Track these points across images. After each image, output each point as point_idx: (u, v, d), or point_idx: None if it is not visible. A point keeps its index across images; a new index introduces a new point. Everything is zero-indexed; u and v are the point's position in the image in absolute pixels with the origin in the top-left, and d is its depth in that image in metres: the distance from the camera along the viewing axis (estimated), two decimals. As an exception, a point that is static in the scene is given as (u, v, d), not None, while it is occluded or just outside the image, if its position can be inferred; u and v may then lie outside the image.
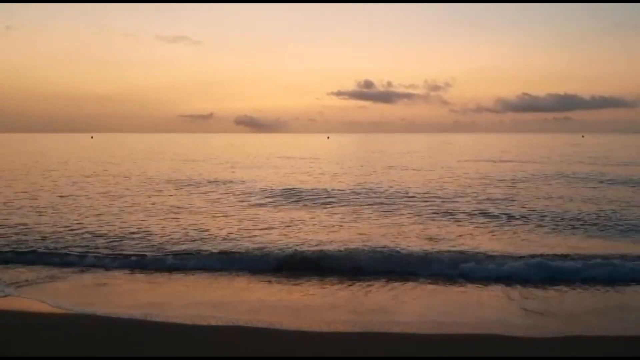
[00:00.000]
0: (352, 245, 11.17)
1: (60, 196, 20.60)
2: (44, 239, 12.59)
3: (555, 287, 8.78)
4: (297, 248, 11.11)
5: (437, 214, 15.66)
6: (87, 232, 13.44)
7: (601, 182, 24.67)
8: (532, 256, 10.11)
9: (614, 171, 30.53)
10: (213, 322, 7.20)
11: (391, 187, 22.51)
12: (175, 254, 10.89)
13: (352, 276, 9.44)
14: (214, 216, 15.79)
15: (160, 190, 22.54)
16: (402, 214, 15.73)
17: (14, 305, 8.05)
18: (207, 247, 11.56)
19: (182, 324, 7.12)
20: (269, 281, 9.40)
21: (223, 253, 10.90)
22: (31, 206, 17.66)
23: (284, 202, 18.72)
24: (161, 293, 8.80)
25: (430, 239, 12.19)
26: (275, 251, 10.84)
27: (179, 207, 17.55)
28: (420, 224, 14.17)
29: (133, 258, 10.76)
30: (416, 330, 6.90)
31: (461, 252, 10.58)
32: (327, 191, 21.25)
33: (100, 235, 12.96)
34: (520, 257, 10.06)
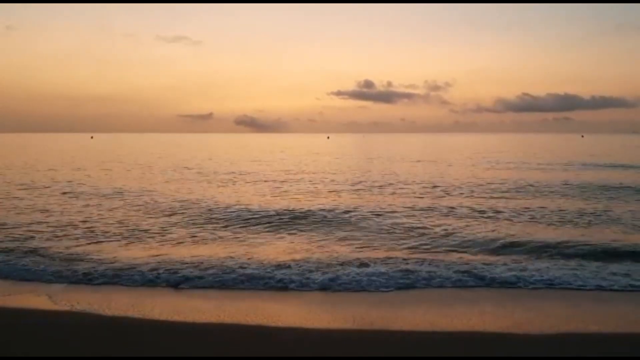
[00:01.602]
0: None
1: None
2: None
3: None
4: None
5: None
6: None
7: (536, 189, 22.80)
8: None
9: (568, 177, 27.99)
10: (214, 320, 7.22)
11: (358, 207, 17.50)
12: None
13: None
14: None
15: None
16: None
17: (13, 303, 8.05)
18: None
19: (182, 322, 7.11)
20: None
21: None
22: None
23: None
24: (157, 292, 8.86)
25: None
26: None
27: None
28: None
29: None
30: (413, 328, 6.93)
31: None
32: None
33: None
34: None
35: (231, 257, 10.64)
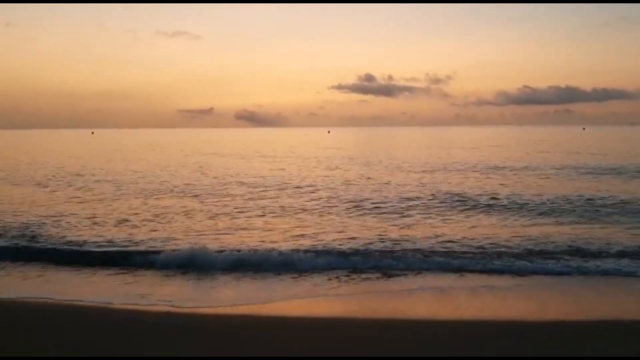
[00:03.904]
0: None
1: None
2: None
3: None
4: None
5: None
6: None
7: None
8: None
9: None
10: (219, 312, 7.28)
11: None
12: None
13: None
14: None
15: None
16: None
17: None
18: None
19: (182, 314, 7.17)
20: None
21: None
22: None
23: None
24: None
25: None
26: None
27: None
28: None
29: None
30: (413, 316, 7.07)
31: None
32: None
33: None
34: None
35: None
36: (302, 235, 12.10)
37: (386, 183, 22.28)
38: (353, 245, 11.05)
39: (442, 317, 7.09)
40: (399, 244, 11.13)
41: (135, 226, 13.34)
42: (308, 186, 21.33)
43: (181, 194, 19.32)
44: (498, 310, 7.42)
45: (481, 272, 9.20)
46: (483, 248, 10.68)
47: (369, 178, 24.64)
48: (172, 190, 20.61)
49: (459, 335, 6.32)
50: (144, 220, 14.17)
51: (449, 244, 11.07)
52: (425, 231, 12.42)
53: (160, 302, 7.73)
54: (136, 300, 7.83)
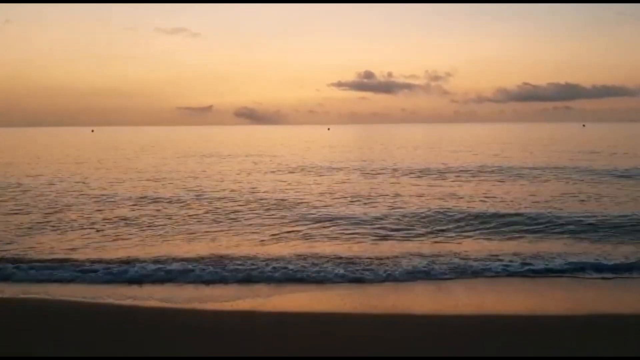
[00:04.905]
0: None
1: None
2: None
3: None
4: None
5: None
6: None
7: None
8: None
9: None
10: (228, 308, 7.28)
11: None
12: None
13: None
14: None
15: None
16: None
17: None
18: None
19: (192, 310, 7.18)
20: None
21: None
22: None
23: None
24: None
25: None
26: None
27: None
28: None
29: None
30: (412, 312, 7.15)
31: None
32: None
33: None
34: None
35: None
36: (298, 240, 12.04)
37: (381, 182, 22.35)
38: (351, 248, 11.09)
39: (441, 312, 7.16)
40: (394, 247, 11.12)
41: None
42: (307, 187, 21.33)
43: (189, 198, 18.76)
44: (497, 307, 7.48)
45: (480, 271, 9.21)
46: (481, 249, 10.71)
47: (363, 173, 24.84)
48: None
49: (458, 333, 6.35)
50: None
51: (446, 245, 11.11)
52: (422, 233, 12.43)
53: (158, 300, 7.77)
54: (134, 299, 7.87)
